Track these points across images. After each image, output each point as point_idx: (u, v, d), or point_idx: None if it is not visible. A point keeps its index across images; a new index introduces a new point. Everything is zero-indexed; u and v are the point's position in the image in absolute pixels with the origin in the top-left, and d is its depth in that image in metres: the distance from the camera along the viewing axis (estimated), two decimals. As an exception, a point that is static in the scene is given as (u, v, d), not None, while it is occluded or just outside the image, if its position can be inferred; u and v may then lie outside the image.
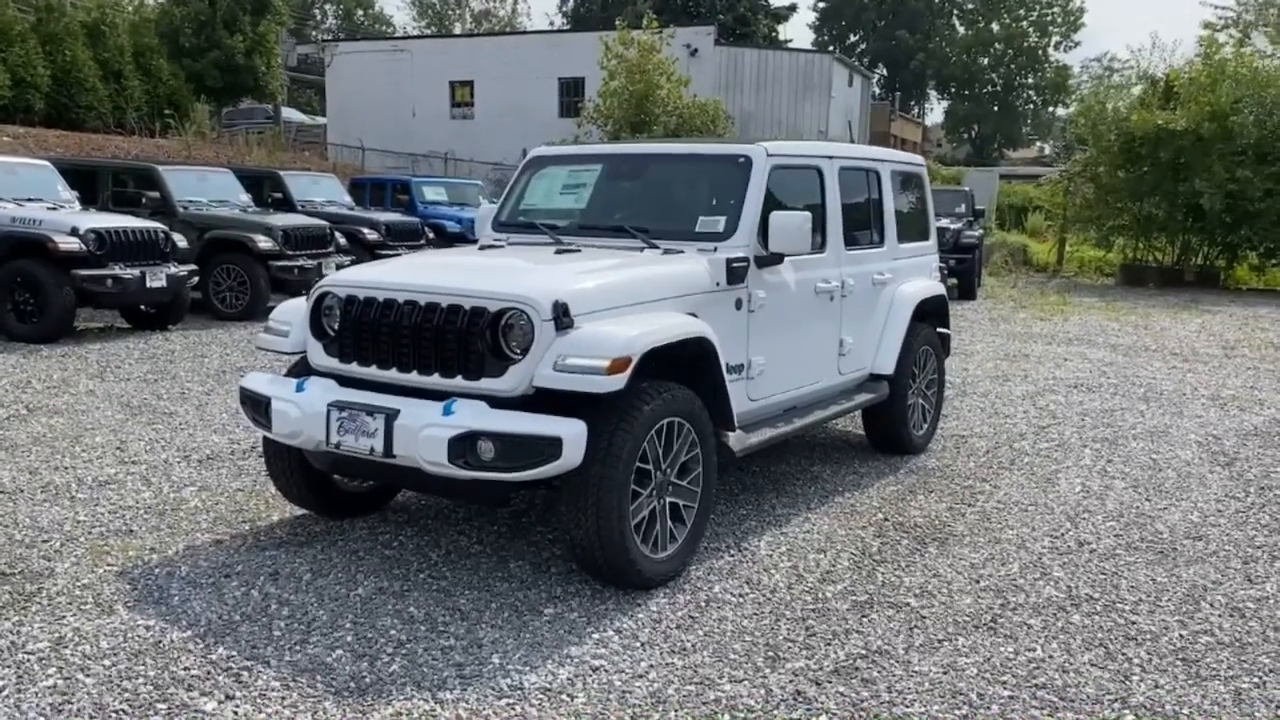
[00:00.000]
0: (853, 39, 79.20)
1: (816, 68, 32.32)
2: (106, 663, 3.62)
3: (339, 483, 5.18)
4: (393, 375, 4.42)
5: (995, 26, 77.37)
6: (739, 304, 5.12)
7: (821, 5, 77.73)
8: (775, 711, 3.42)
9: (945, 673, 3.74)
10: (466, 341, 4.23)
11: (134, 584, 4.36)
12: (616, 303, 4.44)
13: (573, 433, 3.95)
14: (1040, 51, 77.11)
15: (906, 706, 3.48)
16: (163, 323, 11.92)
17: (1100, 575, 4.72)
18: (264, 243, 13.00)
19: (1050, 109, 77.66)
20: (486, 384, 4.21)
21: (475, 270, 4.81)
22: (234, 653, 3.72)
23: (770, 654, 3.85)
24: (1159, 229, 21.75)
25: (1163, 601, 4.44)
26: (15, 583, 4.30)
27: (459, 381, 4.26)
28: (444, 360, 4.29)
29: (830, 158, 5.95)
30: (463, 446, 4.03)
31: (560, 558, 4.73)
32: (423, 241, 16.95)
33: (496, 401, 4.17)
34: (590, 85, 29.81)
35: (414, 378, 4.36)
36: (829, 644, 3.94)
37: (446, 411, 4.12)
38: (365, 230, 16.02)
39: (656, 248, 5.14)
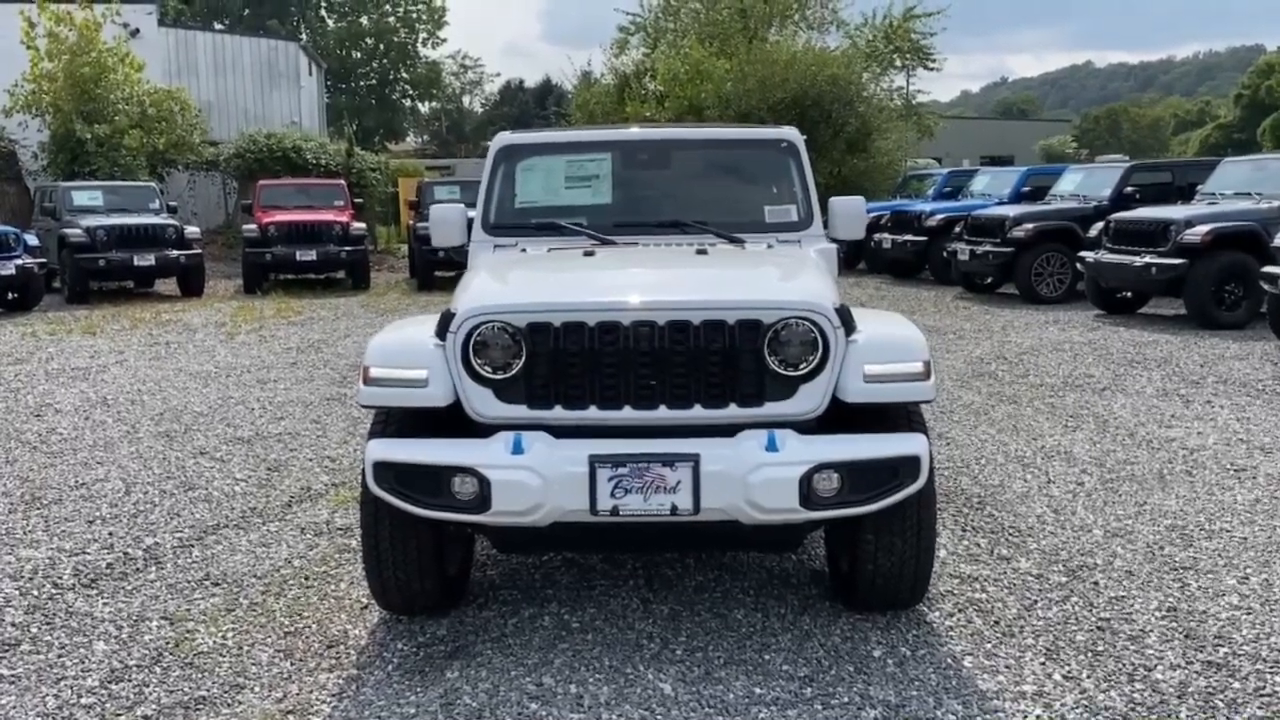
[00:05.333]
0: (220, 26, 74.87)
1: (283, 54, 30.04)
2: None
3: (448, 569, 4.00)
4: (627, 415, 3.54)
5: (365, 21, 78.12)
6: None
7: (181, -14, 72.27)
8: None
9: None
10: (734, 362, 3.53)
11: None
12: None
13: (925, 450, 3.51)
14: (410, 47, 79.51)
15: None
16: None
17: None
18: None
19: (425, 103, 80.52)
20: (774, 409, 3.55)
21: (701, 278, 4.00)
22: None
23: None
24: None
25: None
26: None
27: (732, 411, 3.54)
28: (706, 389, 3.53)
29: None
30: (807, 485, 3.39)
31: (769, 593, 4.14)
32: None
33: (791, 427, 3.54)
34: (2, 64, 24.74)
35: (662, 415, 3.53)
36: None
37: (771, 446, 3.42)
38: None
39: (740, 242, 4.67)
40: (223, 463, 6.39)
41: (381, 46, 78.53)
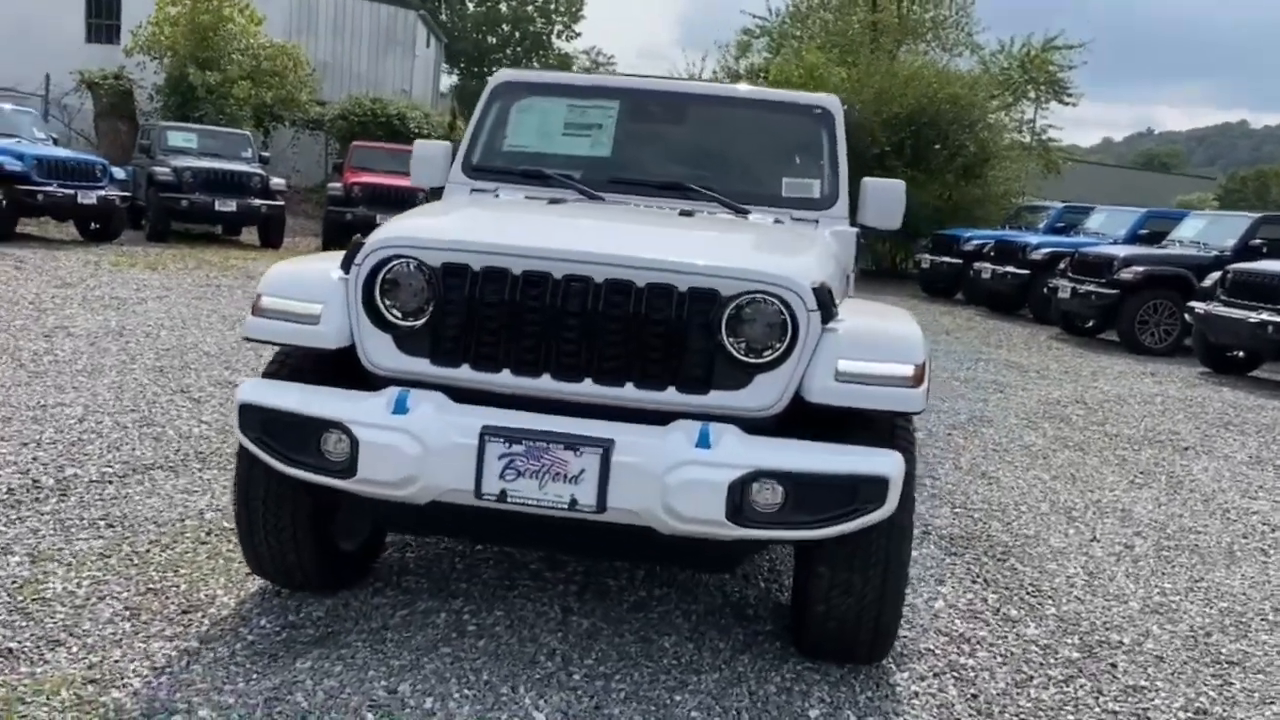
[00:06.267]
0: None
1: (401, 23, 30.18)
2: None
3: (340, 543, 3.45)
4: (545, 386, 2.94)
5: (503, 7, 79.00)
6: (848, 288, 4.20)
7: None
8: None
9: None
10: (682, 339, 2.90)
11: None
12: (836, 289, 3.33)
13: (897, 470, 2.83)
14: (545, 38, 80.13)
15: None
16: None
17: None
18: None
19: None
20: (722, 400, 2.92)
21: (662, 236, 3.40)
22: None
23: None
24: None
25: None
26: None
27: (670, 396, 2.92)
28: (644, 366, 2.91)
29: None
30: (739, 494, 2.75)
31: (715, 625, 3.49)
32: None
33: (740, 425, 2.90)
34: (130, 6, 25.38)
35: (587, 389, 2.93)
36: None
37: (703, 441, 2.78)
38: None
39: (745, 212, 4.03)
40: (197, 404, 5.98)
41: (517, 34, 79.48)
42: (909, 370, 2.94)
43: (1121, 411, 8.58)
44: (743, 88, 4.77)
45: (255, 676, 2.89)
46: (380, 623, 3.31)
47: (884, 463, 2.81)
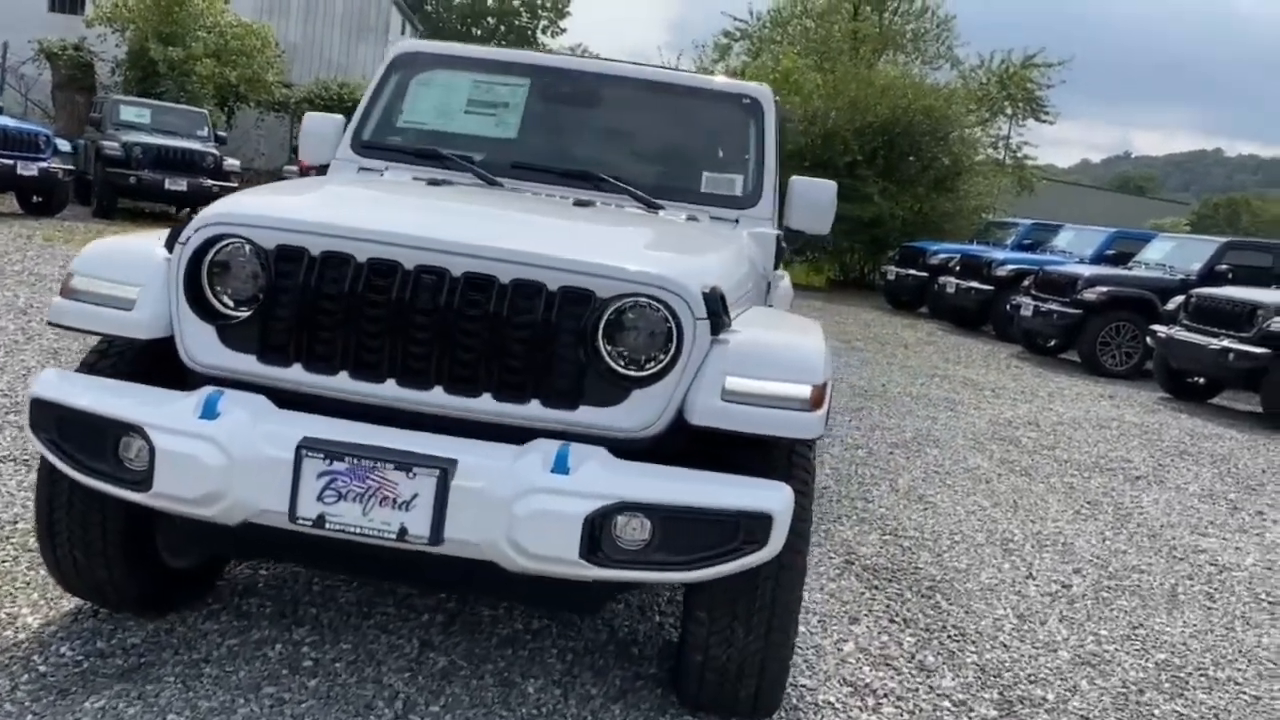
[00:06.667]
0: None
1: (374, 8, 29.68)
2: None
3: (167, 559, 3.04)
4: (389, 393, 2.55)
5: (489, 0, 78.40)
6: (767, 297, 3.84)
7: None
8: None
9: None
10: (550, 345, 2.53)
11: None
12: (739, 296, 2.96)
13: (783, 506, 2.46)
14: (530, 32, 79.60)
15: None
16: None
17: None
18: None
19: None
20: (593, 417, 2.54)
21: (542, 228, 3.02)
22: None
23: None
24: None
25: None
26: None
27: (534, 410, 2.54)
28: (503, 374, 2.53)
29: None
30: (597, 529, 2.37)
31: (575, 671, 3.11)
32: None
33: (611, 447, 2.53)
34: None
35: (437, 399, 2.55)
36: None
37: (559, 466, 2.40)
38: None
39: (658, 207, 3.66)
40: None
41: (502, 27, 78.94)
42: (806, 391, 2.57)
43: (1074, 436, 8.27)
44: (665, 71, 4.39)
45: (30, 718, 2.48)
46: (204, 653, 2.91)
47: (769, 497, 2.44)
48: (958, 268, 16.64)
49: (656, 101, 4.13)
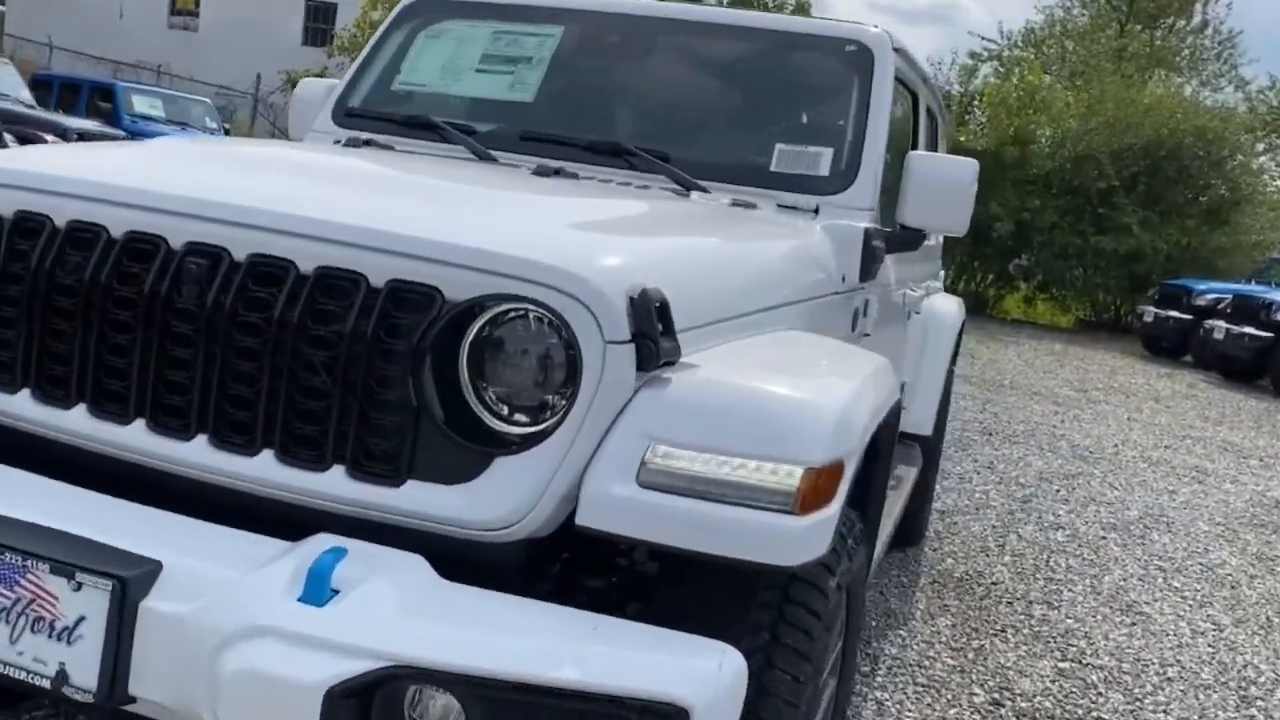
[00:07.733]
0: None
1: None
2: None
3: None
4: (137, 441, 1.64)
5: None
6: (854, 321, 2.66)
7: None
8: None
9: None
10: (369, 371, 1.52)
11: None
12: (724, 308, 1.84)
13: (710, 692, 1.33)
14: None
15: None
16: None
17: None
18: None
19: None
20: (418, 500, 1.52)
21: (388, 190, 2.09)
22: None
23: None
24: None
25: None
26: None
27: (332, 482, 1.54)
28: (292, 419, 1.55)
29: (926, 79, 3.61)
30: (357, 710, 1.33)
31: None
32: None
33: (454, 553, 1.49)
34: (344, 13, 26.12)
35: (197, 456, 1.59)
36: None
37: (314, 587, 1.38)
38: (47, 135, 12.02)
39: (701, 190, 2.57)
40: None
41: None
42: (791, 479, 1.44)
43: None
44: (744, 13, 3.30)
45: None
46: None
47: (688, 674, 1.33)
48: (1229, 310, 14.24)
49: (724, 52, 3.04)
